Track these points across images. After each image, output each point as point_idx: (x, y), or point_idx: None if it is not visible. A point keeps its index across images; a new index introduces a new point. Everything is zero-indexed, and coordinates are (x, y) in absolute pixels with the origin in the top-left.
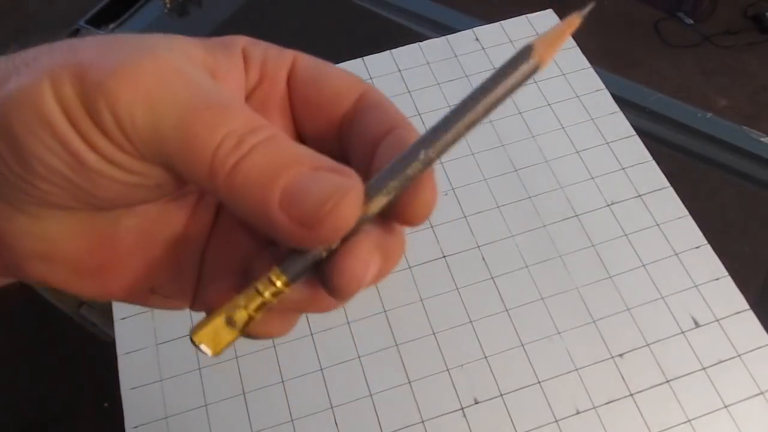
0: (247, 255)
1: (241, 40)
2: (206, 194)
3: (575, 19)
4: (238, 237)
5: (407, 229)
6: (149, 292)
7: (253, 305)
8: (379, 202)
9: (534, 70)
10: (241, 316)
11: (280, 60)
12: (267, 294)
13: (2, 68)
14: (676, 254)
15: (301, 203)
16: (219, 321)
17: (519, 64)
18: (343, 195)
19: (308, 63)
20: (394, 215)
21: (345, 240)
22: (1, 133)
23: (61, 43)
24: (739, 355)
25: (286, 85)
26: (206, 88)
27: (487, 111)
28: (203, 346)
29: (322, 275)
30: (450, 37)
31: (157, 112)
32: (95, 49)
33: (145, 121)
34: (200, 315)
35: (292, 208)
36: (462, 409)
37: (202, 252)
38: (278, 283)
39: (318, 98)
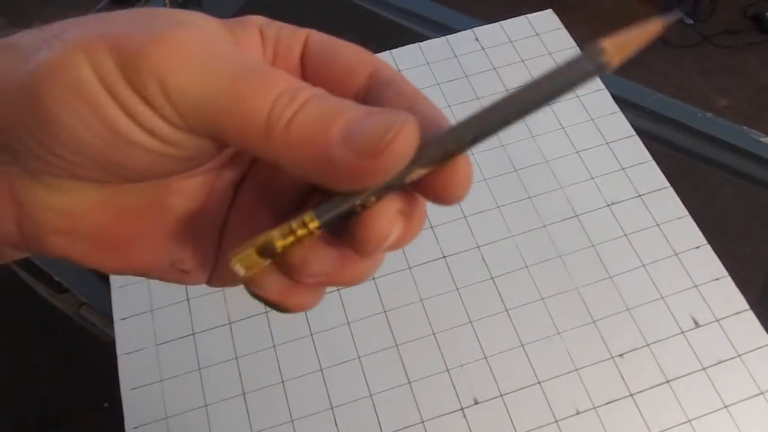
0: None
1: (257, 20)
2: (224, 171)
3: (655, 25)
4: (258, 214)
5: None
6: (168, 267)
7: (286, 241)
8: (416, 169)
9: (598, 72)
10: (273, 248)
11: (294, 38)
12: (300, 232)
13: (31, 40)
14: (676, 254)
15: (363, 136)
16: (252, 250)
17: (584, 64)
18: (403, 124)
19: (320, 39)
20: (431, 192)
21: (379, 199)
22: (30, 104)
23: (89, 17)
24: (739, 355)
25: (299, 62)
26: (245, 56)
27: (543, 102)
28: (237, 267)
29: (351, 232)
30: (450, 37)
31: (204, 79)
32: (126, 20)
33: (193, 88)
34: (201, 314)
35: (354, 142)
36: (462, 409)
37: (221, 228)
38: (311, 225)
39: (331, 73)
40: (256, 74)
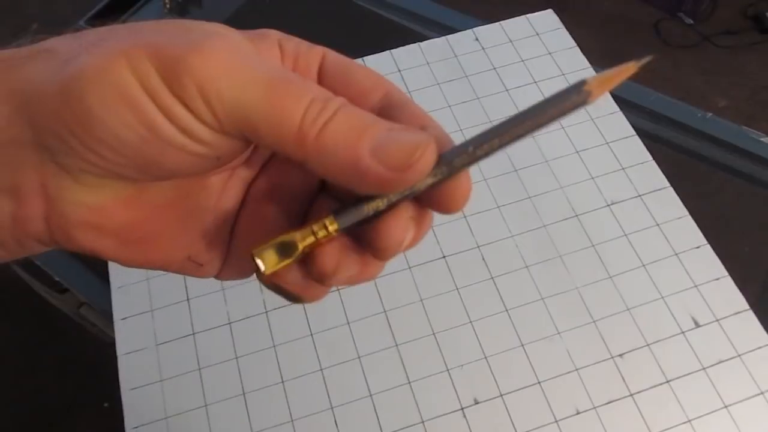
0: (274, 229)
1: (275, 34)
2: (239, 170)
3: (631, 67)
4: (268, 211)
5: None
6: (184, 261)
7: (306, 242)
8: (428, 180)
9: (582, 104)
10: (295, 247)
11: (311, 55)
12: (320, 234)
13: (69, 46)
14: (676, 254)
15: (394, 151)
16: (274, 249)
17: (570, 96)
18: (427, 145)
19: (336, 59)
20: (435, 203)
21: (392, 206)
22: (74, 105)
23: (121, 27)
24: (739, 355)
25: (317, 79)
26: (277, 64)
27: (531, 131)
28: (258, 261)
29: (368, 239)
30: (450, 37)
31: (241, 85)
32: (161, 31)
33: (231, 93)
34: (201, 314)
35: (384, 155)
36: (462, 409)
37: (232, 225)
38: (330, 228)
39: (345, 93)
40: (290, 81)
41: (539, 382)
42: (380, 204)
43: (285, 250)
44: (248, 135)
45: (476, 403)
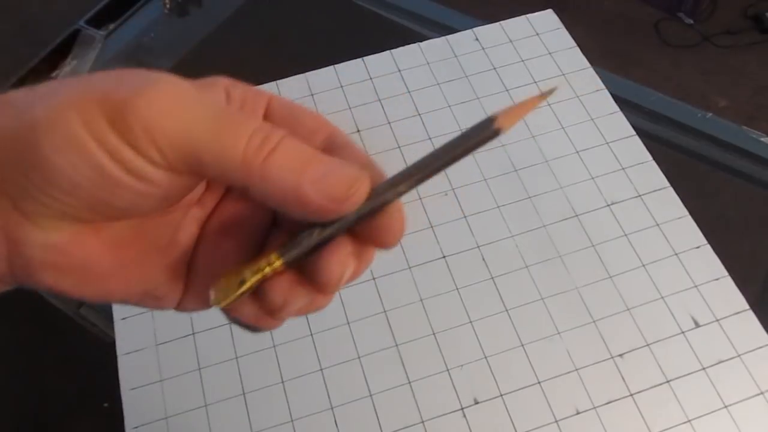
0: (231, 262)
1: (223, 81)
2: (193, 209)
3: (536, 100)
4: (224, 247)
5: (410, 228)
6: (143, 294)
7: (255, 277)
8: (360, 210)
9: (494, 137)
10: (244, 282)
11: (258, 100)
12: (267, 269)
13: (25, 97)
14: (676, 254)
15: (333, 184)
16: (226, 283)
17: (481, 131)
18: (363, 179)
19: (282, 103)
20: (372, 238)
21: (329, 239)
22: (29, 153)
23: (74, 79)
24: (739, 355)
25: (264, 117)
26: (219, 101)
27: (448, 166)
28: (212, 294)
29: (311, 274)
30: (450, 37)
31: (185, 121)
32: (109, 79)
33: (175, 130)
34: (200, 314)
35: (324, 187)
36: (462, 409)
37: (189, 259)
38: (276, 263)
39: (293, 131)
40: (231, 115)
41: (539, 382)
42: (317, 237)
43: (236, 284)
44: (195, 168)
45: (476, 403)
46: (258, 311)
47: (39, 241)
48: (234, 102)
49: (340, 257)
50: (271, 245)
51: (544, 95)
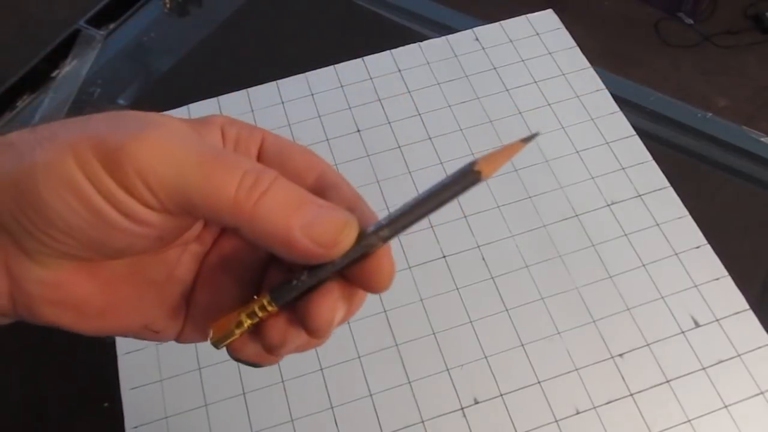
0: (229, 299)
1: (219, 119)
2: (191, 246)
3: (518, 145)
4: (222, 281)
5: (410, 228)
6: (142, 328)
7: (252, 320)
8: (348, 256)
9: (475, 183)
10: (241, 325)
11: (252, 138)
12: (261, 313)
13: (27, 140)
14: (676, 254)
15: (322, 230)
16: (225, 324)
17: (463, 178)
18: (351, 225)
19: (275, 141)
20: (362, 282)
21: (318, 284)
22: (29, 195)
23: (73, 120)
24: (739, 355)
25: (256, 160)
26: (211, 143)
27: (433, 211)
28: (211, 332)
29: (302, 318)
30: (450, 37)
31: (177, 163)
32: (106, 122)
33: (168, 173)
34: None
35: (313, 233)
36: (462, 409)
37: (188, 293)
38: (269, 308)
39: (282, 173)
40: (223, 157)
41: (539, 382)
42: (307, 281)
43: (233, 326)
44: (188, 210)
45: (476, 403)
46: (258, 349)
47: (39, 277)
48: (229, 141)
49: (329, 303)
50: (270, 279)
51: (525, 141)
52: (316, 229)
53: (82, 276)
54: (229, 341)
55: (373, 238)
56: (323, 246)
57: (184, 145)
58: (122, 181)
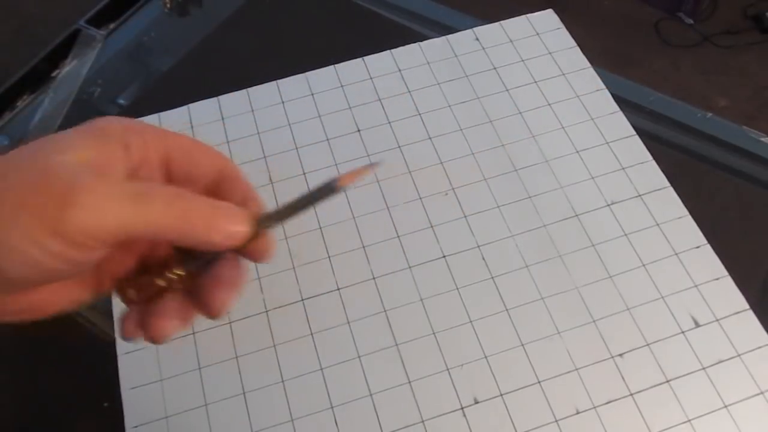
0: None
1: (117, 129)
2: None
3: (371, 168)
4: (127, 262)
5: (410, 228)
6: (70, 303)
7: (161, 282)
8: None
9: (337, 192)
10: (152, 285)
11: (158, 143)
12: (174, 276)
13: None
14: (676, 254)
15: (234, 230)
16: (144, 283)
17: (328, 188)
18: (250, 221)
19: (180, 142)
20: (250, 256)
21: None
22: None
23: (14, 190)
24: (739, 355)
25: (166, 162)
26: (129, 187)
27: (302, 211)
28: (132, 293)
29: (201, 301)
30: (450, 37)
31: (114, 218)
32: (40, 188)
33: (105, 224)
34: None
35: (226, 233)
36: (462, 409)
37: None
38: (179, 273)
39: (189, 170)
40: (146, 195)
41: (539, 382)
42: (211, 257)
43: (151, 286)
44: (127, 241)
45: (476, 402)
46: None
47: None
48: (136, 153)
49: (221, 291)
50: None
51: (372, 167)
52: (228, 230)
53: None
54: (136, 300)
55: (263, 226)
56: (232, 239)
57: (114, 199)
58: (69, 242)
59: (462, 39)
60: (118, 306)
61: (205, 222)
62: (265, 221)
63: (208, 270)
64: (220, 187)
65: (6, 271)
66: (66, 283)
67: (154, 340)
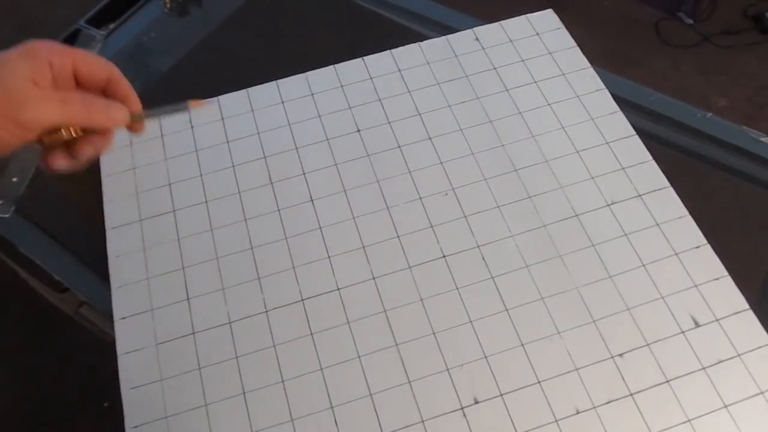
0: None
1: (44, 52)
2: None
3: (209, 103)
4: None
5: (410, 228)
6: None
7: (59, 138)
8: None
9: (185, 110)
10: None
11: (68, 59)
12: (74, 134)
13: None
14: (676, 254)
15: (119, 119)
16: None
17: (181, 106)
18: (127, 114)
19: (83, 58)
20: (130, 130)
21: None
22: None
23: None
24: (739, 355)
25: (72, 71)
26: (57, 93)
27: (169, 114)
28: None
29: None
30: (450, 37)
31: (50, 114)
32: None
33: (47, 119)
34: (201, 314)
35: (113, 120)
36: (462, 409)
37: None
38: (79, 133)
39: (88, 76)
40: (69, 100)
41: (539, 382)
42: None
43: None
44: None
45: (476, 402)
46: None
47: None
48: (54, 70)
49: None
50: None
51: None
52: (116, 120)
53: None
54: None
55: (136, 118)
56: (116, 124)
57: (47, 105)
58: (24, 129)
59: (462, 39)
60: (118, 306)
61: (102, 115)
62: (137, 115)
63: (89, 134)
64: (109, 88)
65: None
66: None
67: (51, 168)
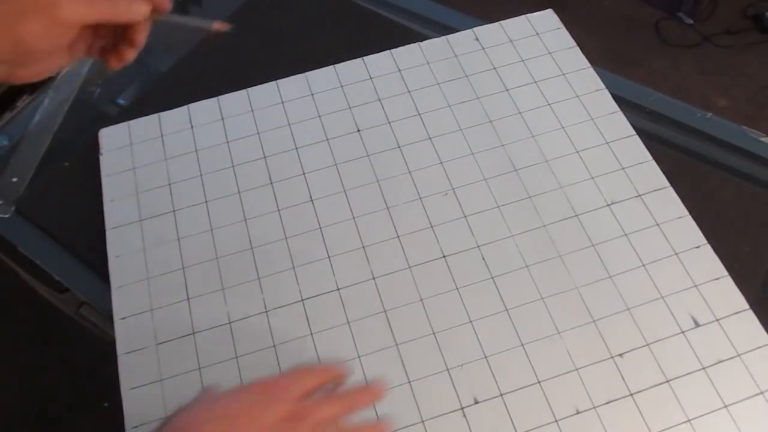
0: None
1: None
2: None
3: (227, 26)
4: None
5: (410, 228)
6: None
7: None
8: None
9: (207, 27)
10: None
11: None
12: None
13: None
14: (676, 254)
15: (141, 11)
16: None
17: (205, 23)
18: (148, 8)
19: None
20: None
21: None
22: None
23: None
24: (739, 355)
25: None
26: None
27: (180, 24)
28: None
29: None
30: (450, 37)
31: (82, 12)
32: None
33: (82, 17)
34: (201, 314)
35: (137, 13)
36: (462, 409)
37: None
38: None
39: None
40: (92, 1)
41: (539, 382)
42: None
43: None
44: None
45: (476, 402)
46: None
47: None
48: None
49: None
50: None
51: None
52: (139, 12)
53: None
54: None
55: (155, 16)
56: (139, 16)
57: (78, 6)
58: (60, 26)
59: (462, 39)
60: (118, 306)
61: (126, 9)
62: (156, 15)
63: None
64: None
65: (28, 44)
66: (53, 57)
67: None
